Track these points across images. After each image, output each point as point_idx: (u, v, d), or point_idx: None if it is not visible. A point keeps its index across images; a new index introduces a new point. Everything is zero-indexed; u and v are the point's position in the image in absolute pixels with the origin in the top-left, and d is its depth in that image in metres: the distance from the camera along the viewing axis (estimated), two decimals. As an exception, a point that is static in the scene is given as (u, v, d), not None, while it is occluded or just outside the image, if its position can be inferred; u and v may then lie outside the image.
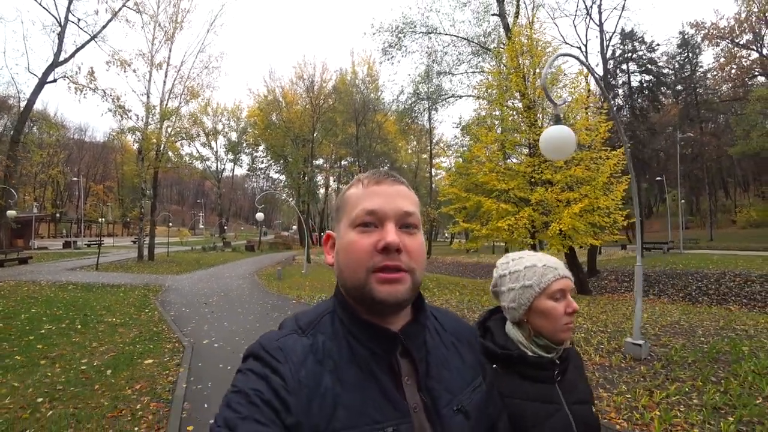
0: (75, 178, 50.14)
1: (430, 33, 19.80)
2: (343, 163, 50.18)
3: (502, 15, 16.95)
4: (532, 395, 1.04)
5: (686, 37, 46.15)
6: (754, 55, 41.47)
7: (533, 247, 12.06)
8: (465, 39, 19.33)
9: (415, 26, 19.76)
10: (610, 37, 22.24)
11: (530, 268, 1.11)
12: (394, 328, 0.71)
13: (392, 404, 0.65)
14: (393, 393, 0.66)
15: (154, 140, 23.30)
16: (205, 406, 4.18)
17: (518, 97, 13.45)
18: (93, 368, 5.16)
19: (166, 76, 24.72)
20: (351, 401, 0.63)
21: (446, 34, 19.82)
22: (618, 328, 7.59)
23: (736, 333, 7.34)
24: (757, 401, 4.18)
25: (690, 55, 47.20)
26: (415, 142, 51.25)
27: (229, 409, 0.58)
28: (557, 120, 3.95)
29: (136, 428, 3.62)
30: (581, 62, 4.74)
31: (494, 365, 1.05)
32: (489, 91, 14.56)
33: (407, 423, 0.65)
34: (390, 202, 0.71)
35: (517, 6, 17.15)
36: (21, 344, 6.15)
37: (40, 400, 4.13)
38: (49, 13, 20.91)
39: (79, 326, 7.47)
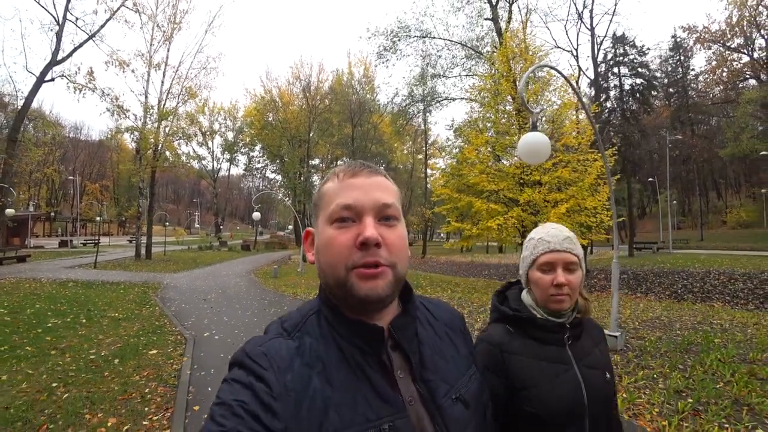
0: (71, 177, 50.12)
1: (424, 37, 20.20)
2: (339, 163, 50.49)
3: (494, 20, 17.33)
4: (541, 355, 1.11)
5: (678, 40, 46.83)
6: (745, 58, 42.26)
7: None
8: (459, 43, 19.73)
9: (409, 30, 20.16)
10: (601, 41, 22.68)
11: (530, 241, 1.21)
12: (383, 322, 0.71)
13: (386, 400, 0.64)
14: (385, 389, 0.66)
15: (152, 140, 23.52)
16: (209, 389, 4.52)
17: (510, 101, 13.84)
18: (101, 358, 5.49)
19: (164, 77, 24.93)
20: (342, 402, 0.62)
21: (440, 38, 20.24)
22: (600, 323, 7.94)
23: (712, 327, 7.75)
24: (718, 385, 4.55)
25: (682, 58, 47.90)
26: (410, 143, 51.57)
27: (212, 423, 0.57)
28: (534, 127, 4.30)
29: (146, 408, 3.96)
30: (560, 73, 5.08)
31: (507, 325, 1.17)
32: (482, 94, 14.95)
33: (403, 417, 0.64)
34: (367, 195, 0.69)
35: (510, 11, 17.56)
36: (30, 336, 6.46)
37: (54, 384, 4.46)
38: (47, 11, 21.07)
39: (84, 320, 7.78)
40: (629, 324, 8.01)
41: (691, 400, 4.12)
